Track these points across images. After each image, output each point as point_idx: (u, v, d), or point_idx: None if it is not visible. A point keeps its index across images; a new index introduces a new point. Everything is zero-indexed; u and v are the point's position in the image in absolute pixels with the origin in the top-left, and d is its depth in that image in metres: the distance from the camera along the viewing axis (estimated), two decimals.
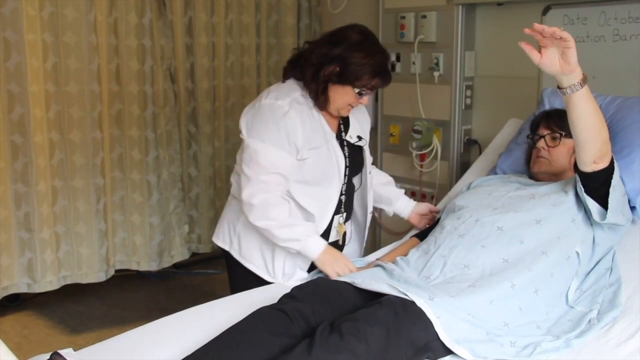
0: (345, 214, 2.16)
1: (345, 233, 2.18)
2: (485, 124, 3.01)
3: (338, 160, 2.05)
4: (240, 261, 2.10)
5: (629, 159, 2.05)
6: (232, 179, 2.15)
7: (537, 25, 1.58)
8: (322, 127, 2.03)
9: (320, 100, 1.98)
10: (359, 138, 2.15)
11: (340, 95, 1.98)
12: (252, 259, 2.09)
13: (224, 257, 2.18)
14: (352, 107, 2.04)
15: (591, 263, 1.87)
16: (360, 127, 2.18)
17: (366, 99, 2.01)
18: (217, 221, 3.57)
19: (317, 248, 1.96)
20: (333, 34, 2.01)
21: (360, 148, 2.17)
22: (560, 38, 1.55)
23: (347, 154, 2.09)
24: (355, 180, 2.20)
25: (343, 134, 2.12)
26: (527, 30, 1.59)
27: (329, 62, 1.93)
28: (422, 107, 3.07)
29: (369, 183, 2.21)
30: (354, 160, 2.13)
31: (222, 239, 2.16)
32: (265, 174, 1.92)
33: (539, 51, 1.61)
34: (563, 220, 1.84)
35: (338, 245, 2.17)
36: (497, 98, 2.96)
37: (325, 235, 2.08)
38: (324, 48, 1.96)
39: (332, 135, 2.07)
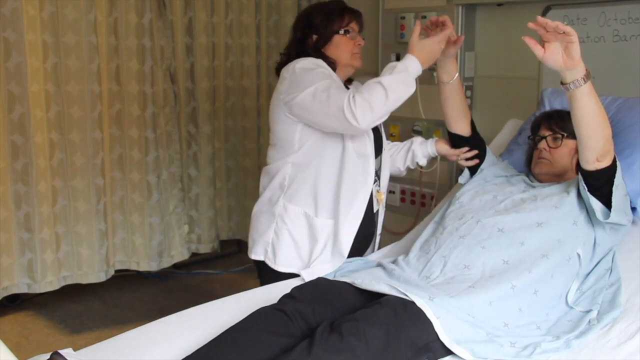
0: (379, 184, 2.20)
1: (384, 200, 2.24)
2: (485, 124, 2.99)
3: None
4: (277, 269, 2.10)
5: (629, 160, 2.05)
6: (261, 185, 2.17)
7: (540, 19, 1.58)
8: None
9: (327, 64, 2.06)
10: None
11: (338, 47, 2.10)
12: (289, 263, 2.09)
13: (257, 269, 2.20)
14: (357, 53, 2.14)
15: (591, 264, 1.87)
16: None
17: (359, 39, 2.13)
18: (217, 221, 3.62)
19: (416, 63, 1.93)
20: (291, 30, 2.18)
21: (377, 128, 2.18)
22: (564, 32, 1.55)
23: None
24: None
25: None
26: (530, 25, 1.59)
27: (305, 38, 2.09)
28: (422, 107, 3.07)
29: (385, 163, 2.25)
30: (376, 138, 2.16)
31: (256, 252, 2.16)
32: (343, 94, 1.89)
33: (542, 46, 1.61)
34: (565, 222, 1.83)
35: (374, 215, 2.20)
36: (497, 98, 2.96)
37: (369, 205, 2.10)
38: (293, 40, 2.14)
39: None
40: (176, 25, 3.29)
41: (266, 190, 2.15)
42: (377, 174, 2.19)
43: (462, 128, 2.20)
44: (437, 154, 2.30)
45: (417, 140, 2.32)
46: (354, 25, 2.11)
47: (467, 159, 2.22)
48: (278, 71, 2.13)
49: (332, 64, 2.08)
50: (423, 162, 2.32)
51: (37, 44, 2.80)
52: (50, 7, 2.81)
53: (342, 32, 2.09)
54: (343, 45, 2.10)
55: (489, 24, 2.94)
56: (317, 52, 2.08)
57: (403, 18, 3.09)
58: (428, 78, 3.06)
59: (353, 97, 1.85)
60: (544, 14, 2.67)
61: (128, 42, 3.07)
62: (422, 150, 2.29)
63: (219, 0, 3.43)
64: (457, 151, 2.23)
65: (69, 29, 2.88)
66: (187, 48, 3.36)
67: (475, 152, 2.21)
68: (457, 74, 2.12)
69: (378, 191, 2.18)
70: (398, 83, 1.88)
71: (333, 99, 1.88)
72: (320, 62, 2.04)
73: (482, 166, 2.20)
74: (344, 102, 1.85)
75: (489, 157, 2.22)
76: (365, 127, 1.88)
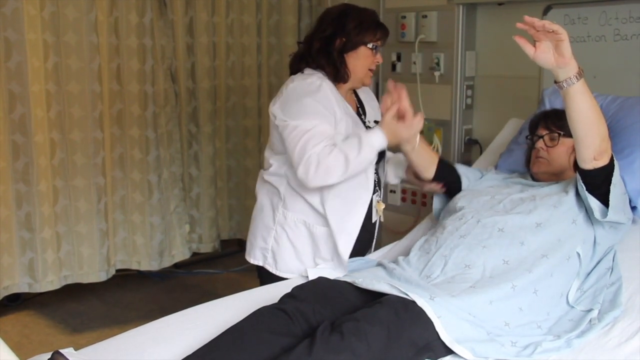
0: (380, 193, 2.21)
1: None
2: (486, 123, 3.01)
3: None
4: (277, 274, 2.10)
5: (629, 159, 2.05)
6: (258, 190, 2.17)
7: (527, 18, 1.59)
8: (345, 105, 2.09)
9: (342, 73, 2.06)
10: (376, 122, 2.19)
11: (359, 61, 2.08)
12: (290, 268, 2.10)
13: (257, 272, 2.20)
14: (372, 70, 2.13)
15: (592, 263, 1.87)
16: (374, 113, 2.24)
17: (379, 56, 2.12)
18: (218, 221, 3.62)
19: (380, 139, 1.95)
20: (319, 22, 2.13)
21: None
22: (553, 31, 1.56)
23: None
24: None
25: (363, 117, 2.18)
26: (519, 25, 1.61)
27: (333, 40, 2.05)
28: (423, 106, 3.07)
29: (386, 171, 2.27)
30: None
31: (254, 257, 2.17)
32: (312, 146, 1.92)
33: (534, 45, 1.62)
34: (564, 221, 1.83)
35: (373, 225, 2.19)
36: (498, 98, 2.96)
37: (368, 216, 2.11)
38: (319, 34, 2.08)
39: (356, 116, 2.13)
40: (177, 25, 3.30)
41: (264, 196, 2.15)
42: (379, 184, 2.18)
43: (428, 174, 2.18)
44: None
45: (393, 159, 2.32)
46: (380, 43, 2.11)
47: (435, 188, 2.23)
48: (293, 63, 2.12)
49: (346, 75, 2.07)
50: (395, 181, 2.36)
51: (37, 43, 2.80)
52: (51, 7, 2.81)
53: (370, 45, 2.07)
54: (364, 59, 2.08)
55: (489, 24, 2.94)
56: (340, 56, 2.06)
57: (404, 17, 3.09)
58: (429, 77, 3.07)
59: (317, 157, 1.90)
60: (544, 13, 2.67)
61: (129, 41, 3.07)
62: (394, 171, 2.32)
63: (220, 0, 3.43)
64: (422, 183, 2.23)
65: (70, 28, 2.88)
66: (188, 47, 3.36)
67: (440, 187, 2.20)
68: (417, 140, 2.07)
69: (378, 201, 2.17)
70: (361, 162, 1.94)
71: (301, 146, 1.92)
72: (324, 85, 2.00)
73: (463, 188, 2.18)
74: (304, 157, 1.91)
75: (467, 178, 2.19)
76: (312, 187, 1.96)
